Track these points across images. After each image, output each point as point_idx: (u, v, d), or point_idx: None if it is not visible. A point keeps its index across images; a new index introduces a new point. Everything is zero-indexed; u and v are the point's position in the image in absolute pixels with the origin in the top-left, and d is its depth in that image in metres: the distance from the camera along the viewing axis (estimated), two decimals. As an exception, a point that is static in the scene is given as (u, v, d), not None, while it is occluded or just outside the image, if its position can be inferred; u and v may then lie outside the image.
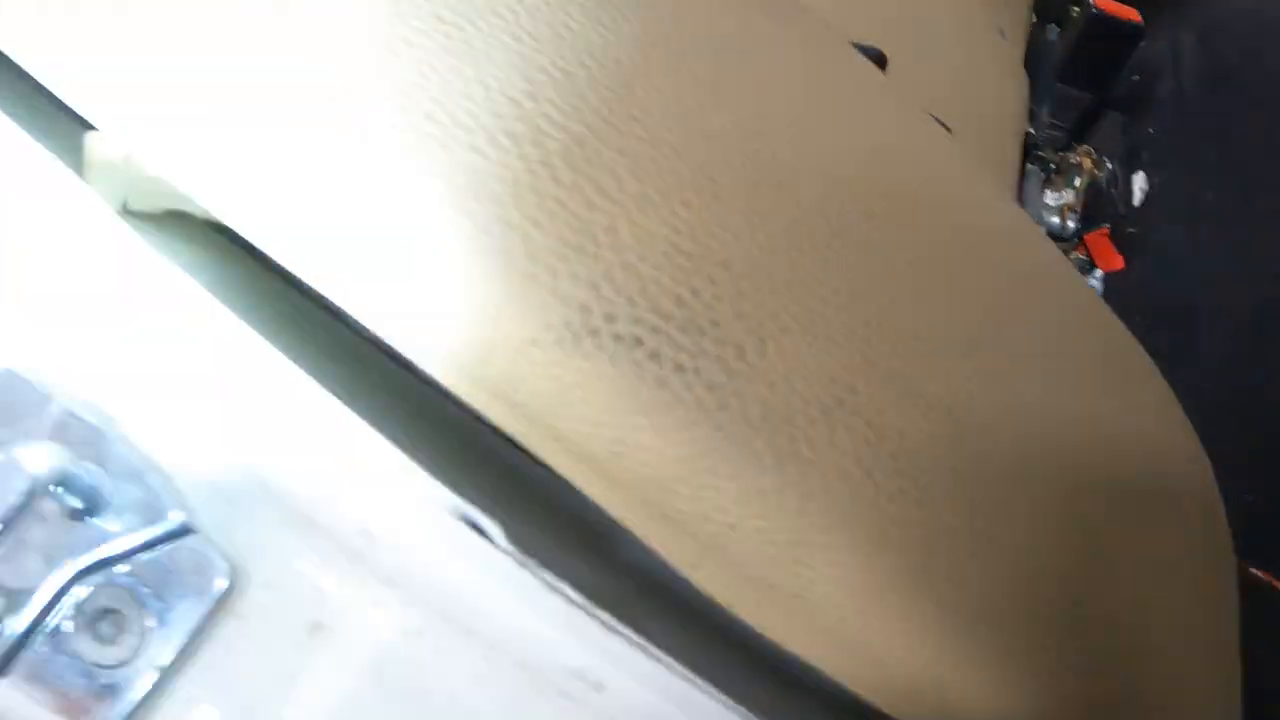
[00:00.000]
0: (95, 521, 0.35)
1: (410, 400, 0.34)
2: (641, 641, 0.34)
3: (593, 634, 0.34)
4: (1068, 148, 1.25)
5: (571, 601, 0.33)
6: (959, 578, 0.33)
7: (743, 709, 0.35)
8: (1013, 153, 0.89)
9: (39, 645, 0.34)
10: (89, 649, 0.35)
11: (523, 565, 0.33)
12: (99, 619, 0.35)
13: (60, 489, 0.34)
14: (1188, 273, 1.05)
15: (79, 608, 0.35)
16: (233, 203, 0.33)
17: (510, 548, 0.33)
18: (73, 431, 0.35)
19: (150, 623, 0.35)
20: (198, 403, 0.35)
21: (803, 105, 0.42)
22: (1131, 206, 1.16)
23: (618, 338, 0.30)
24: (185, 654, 0.35)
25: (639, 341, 0.30)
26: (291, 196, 0.32)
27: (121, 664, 0.35)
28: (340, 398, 0.34)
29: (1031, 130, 1.21)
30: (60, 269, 0.35)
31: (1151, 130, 1.03)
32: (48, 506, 0.34)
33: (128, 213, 0.35)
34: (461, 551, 0.33)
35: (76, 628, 0.35)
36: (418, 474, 0.33)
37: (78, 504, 0.34)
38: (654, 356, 0.30)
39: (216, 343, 0.34)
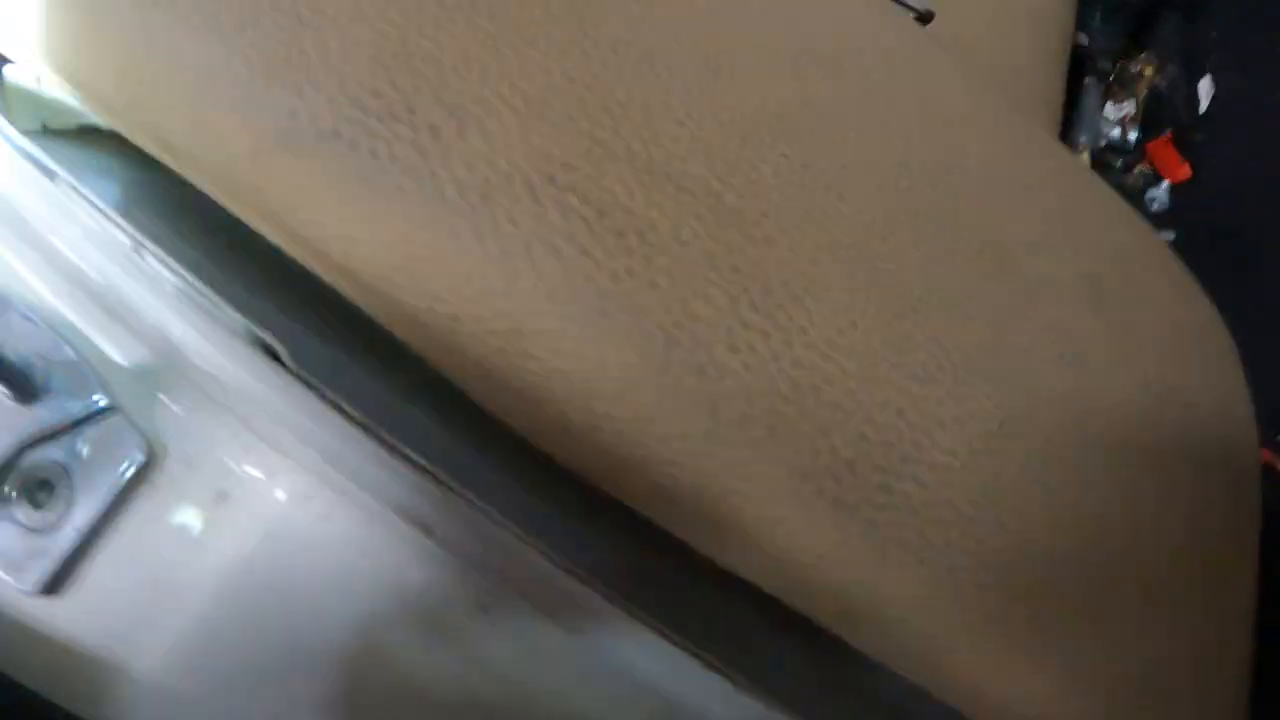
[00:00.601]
0: (33, 405, 0.40)
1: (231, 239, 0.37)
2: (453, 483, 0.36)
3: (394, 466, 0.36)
4: (1125, 55, 1.19)
5: (353, 420, 0.36)
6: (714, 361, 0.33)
7: (535, 539, 0.37)
8: (1059, 65, 0.86)
9: (-15, 509, 0.40)
10: (25, 514, 0.40)
11: (306, 383, 0.36)
12: (35, 489, 0.40)
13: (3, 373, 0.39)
14: (1262, 177, 0.99)
15: (21, 477, 0.40)
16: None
17: (297, 366, 0.36)
18: (20, 329, 0.40)
19: (76, 491, 0.40)
20: (109, 296, 0.40)
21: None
22: (1197, 114, 1.10)
23: (320, 134, 0.31)
24: (106, 519, 0.40)
25: (337, 134, 0.31)
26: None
27: (50, 527, 0.40)
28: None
29: (1085, 39, 1.16)
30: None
31: (1215, 32, 0.98)
32: (-6, 391, 0.39)
33: (47, 131, 0.41)
34: (261, 375, 0.37)
35: (16, 495, 0.40)
36: (215, 301, 0.37)
37: (16, 390, 0.40)
38: (352, 146, 0.31)
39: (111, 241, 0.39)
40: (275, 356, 0.36)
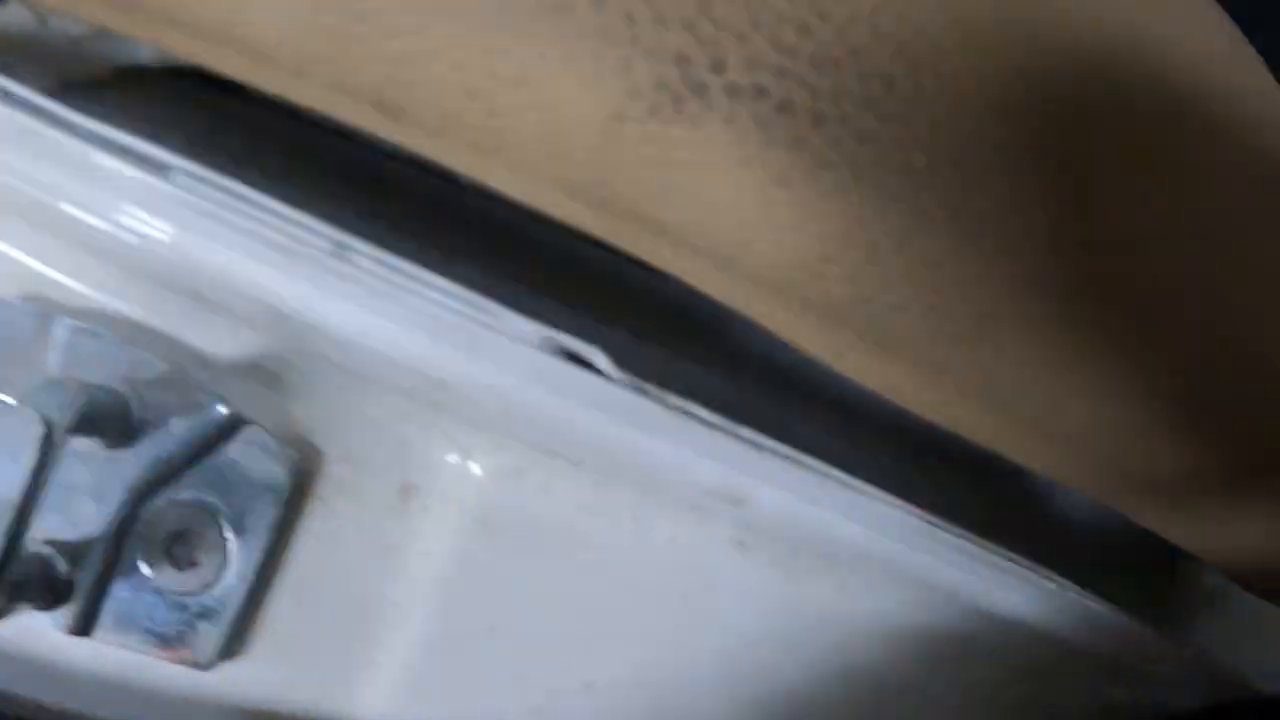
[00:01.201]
0: (134, 445, 0.31)
1: (470, 226, 0.29)
2: (786, 450, 0.31)
3: (729, 450, 0.30)
4: None
5: (704, 422, 0.30)
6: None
7: (889, 497, 0.32)
8: None
9: (119, 592, 0.31)
10: (170, 579, 0.32)
11: (639, 392, 0.29)
12: (172, 545, 0.32)
13: (90, 420, 0.30)
14: None
15: (146, 539, 0.31)
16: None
17: (621, 375, 0.29)
18: (84, 351, 0.31)
19: (228, 534, 0.32)
20: (212, 275, 0.30)
21: None
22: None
23: (733, 90, 0.22)
24: (274, 556, 0.32)
25: (762, 91, 0.22)
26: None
27: (208, 585, 0.32)
28: (374, 233, 0.29)
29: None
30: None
31: None
32: (82, 443, 0.30)
33: (68, 87, 0.30)
34: (563, 388, 0.29)
35: (151, 561, 0.31)
36: (497, 312, 0.29)
37: (105, 434, 0.30)
38: (784, 108, 0.23)
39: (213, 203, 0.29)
40: (583, 363, 0.29)
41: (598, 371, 0.29)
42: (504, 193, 0.26)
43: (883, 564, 0.34)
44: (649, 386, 0.29)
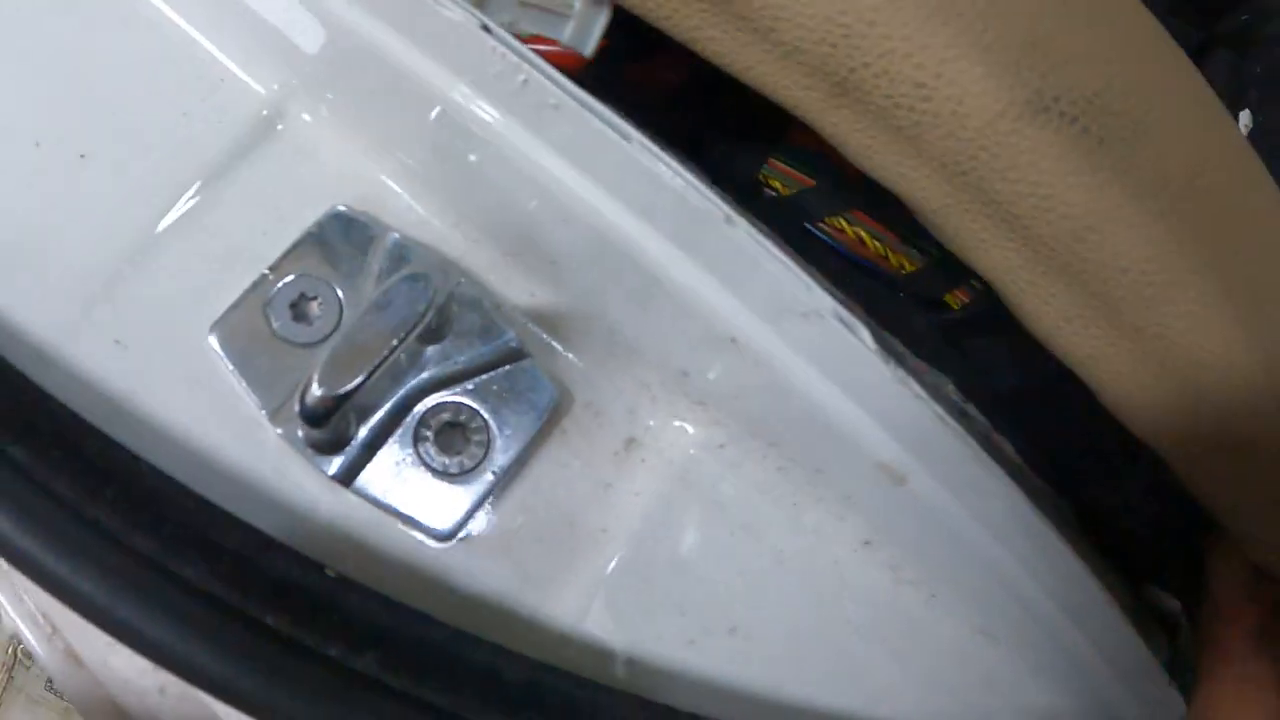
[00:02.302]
0: (438, 344, 0.39)
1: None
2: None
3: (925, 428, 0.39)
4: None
5: (918, 396, 0.38)
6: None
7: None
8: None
9: (388, 456, 0.39)
10: (435, 457, 0.39)
11: (892, 369, 0.38)
12: (443, 431, 0.39)
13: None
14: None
15: (424, 420, 0.39)
16: None
17: (877, 347, 0.37)
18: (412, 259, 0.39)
19: (492, 433, 0.39)
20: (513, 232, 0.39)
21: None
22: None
23: (1062, 115, 0.36)
24: (519, 462, 0.39)
25: (1075, 119, 0.36)
26: None
27: (464, 470, 0.39)
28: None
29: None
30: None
31: (1259, 69, 1.04)
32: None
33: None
34: (824, 353, 0.38)
35: (421, 438, 0.39)
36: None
37: (429, 328, 0.38)
38: (1085, 131, 0.36)
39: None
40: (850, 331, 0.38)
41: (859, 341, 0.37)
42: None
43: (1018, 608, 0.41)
44: (897, 366, 0.37)
